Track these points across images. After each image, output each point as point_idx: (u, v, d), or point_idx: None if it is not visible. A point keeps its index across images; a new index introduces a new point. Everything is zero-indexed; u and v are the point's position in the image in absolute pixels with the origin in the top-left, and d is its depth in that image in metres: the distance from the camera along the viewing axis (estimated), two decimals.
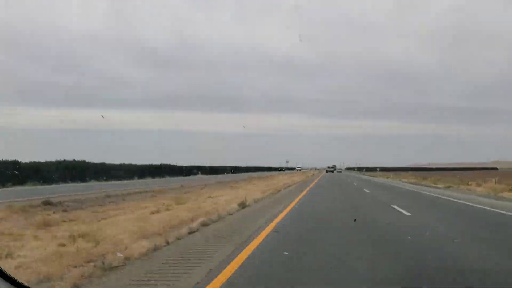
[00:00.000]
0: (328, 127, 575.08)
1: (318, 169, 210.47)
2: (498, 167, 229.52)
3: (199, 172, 76.08)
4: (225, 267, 5.92)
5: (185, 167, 75.66)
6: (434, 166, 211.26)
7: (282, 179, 47.92)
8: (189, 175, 69.56)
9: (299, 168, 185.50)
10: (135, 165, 60.03)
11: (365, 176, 77.96)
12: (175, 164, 73.07)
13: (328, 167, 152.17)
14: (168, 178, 57.65)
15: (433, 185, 37.80)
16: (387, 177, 66.50)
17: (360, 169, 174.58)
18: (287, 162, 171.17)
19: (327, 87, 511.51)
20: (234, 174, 79.89)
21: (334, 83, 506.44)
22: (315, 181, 48.05)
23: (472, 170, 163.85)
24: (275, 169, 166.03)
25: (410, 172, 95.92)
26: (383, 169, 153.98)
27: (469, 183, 33.73)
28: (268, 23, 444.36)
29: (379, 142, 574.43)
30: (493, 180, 33.61)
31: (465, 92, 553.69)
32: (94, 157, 54.55)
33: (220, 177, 62.17)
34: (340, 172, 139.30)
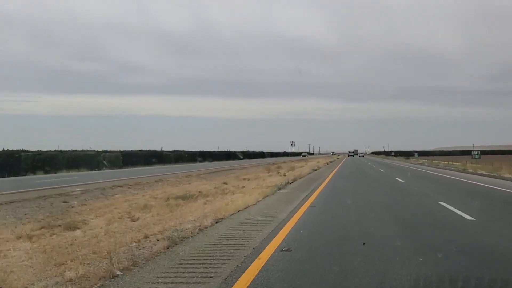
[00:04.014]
0: (350, 111, 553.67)
1: (336, 154, 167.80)
2: None
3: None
4: None
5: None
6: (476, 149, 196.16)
7: None
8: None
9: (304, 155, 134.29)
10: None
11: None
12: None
13: (350, 152, 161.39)
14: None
15: None
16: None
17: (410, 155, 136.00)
18: (292, 145, 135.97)
19: (346, 70, 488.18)
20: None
21: (353, 66, 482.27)
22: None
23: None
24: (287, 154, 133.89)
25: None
26: (420, 154, 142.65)
27: None
28: (286, 5, 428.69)
29: (404, 126, 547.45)
30: None
31: (490, 73, 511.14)
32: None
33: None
34: (363, 156, 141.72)
